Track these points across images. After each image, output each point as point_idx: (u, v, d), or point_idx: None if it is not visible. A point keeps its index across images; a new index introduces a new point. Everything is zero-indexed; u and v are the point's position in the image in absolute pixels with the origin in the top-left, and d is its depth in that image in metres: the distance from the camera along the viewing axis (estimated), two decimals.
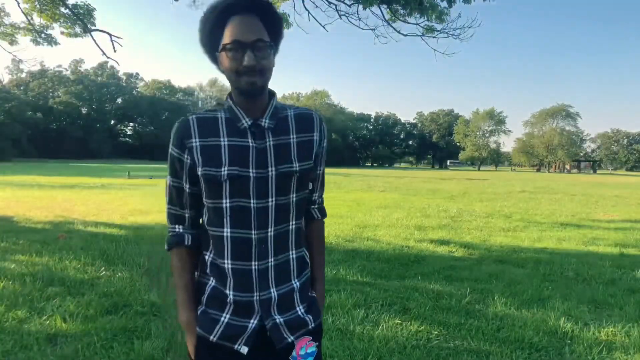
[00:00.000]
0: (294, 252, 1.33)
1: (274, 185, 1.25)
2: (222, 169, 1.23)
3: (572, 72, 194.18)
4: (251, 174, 1.23)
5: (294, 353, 1.30)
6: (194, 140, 1.26)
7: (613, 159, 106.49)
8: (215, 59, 1.28)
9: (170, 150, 1.29)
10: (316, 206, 1.47)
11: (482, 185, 25.20)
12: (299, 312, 1.33)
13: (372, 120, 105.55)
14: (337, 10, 8.45)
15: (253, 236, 1.25)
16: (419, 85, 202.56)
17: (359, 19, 8.29)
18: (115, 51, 10.27)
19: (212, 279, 1.30)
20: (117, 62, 11.19)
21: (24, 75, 72.82)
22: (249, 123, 1.26)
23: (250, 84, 1.21)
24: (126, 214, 9.54)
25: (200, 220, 1.35)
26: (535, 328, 3.54)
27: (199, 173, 1.25)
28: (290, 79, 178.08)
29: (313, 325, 1.35)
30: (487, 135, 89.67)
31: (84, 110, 75.43)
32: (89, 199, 12.64)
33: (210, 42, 1.26)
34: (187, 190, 1.30)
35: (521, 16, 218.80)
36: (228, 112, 1.29)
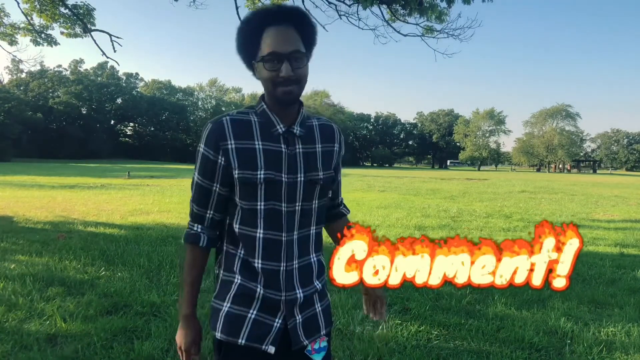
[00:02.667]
0: (314, 255, 1.39)
1: (301, 190, 1.32)
2: (258, 172, 1.26)
3: (572, 72, 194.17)
4: (283, 179, 1.29)
5: (309, 347, 1.38)
6: (229, 142, 1.27)
7: (613, 159, 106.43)
8: (251, 67, 1.32)
9: (202, 150, 1.29)
10: (341, 206, 1.59)
11: (482, 185, 25.20)
12: (317, 310, 1.40)
13: (372, 120, 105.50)
14: (337, 10, 8.45)
15: (283, 238, 1.31)
16: (419, 85, 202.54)
17: (359, 19, 8.30)
18: (115, 51, 10.27)
19: (238, 276, 1.33)
20: (117, 62, 11.19)
21: (24, 75, 72.77)
22: (283, 129, 1.30)
23: (287, 94, 1.25)
24: (126, 214, 9.54)
25: (220, 221, 1.38)
26: (535, 328, 3.54)
27: (235, 175, 1.27)
28: None
29: (325, 332, 1.42)
30: (487, 135, 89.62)
31: (84, 110, 75.35)
32: (88, 199, 12.64)
33: (247, 51, 1.30)
34: (216, 190, 1.31)
35: (521, 16, 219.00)
36: (261, 117, 1.31)
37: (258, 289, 1.30)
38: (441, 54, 8.35)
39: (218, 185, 1.30)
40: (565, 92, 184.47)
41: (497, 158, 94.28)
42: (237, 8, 8.92)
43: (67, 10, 10.29)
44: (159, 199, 12.96)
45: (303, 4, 8.58)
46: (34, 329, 3.29)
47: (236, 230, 1.32)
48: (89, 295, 4.00)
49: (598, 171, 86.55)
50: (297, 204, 1.31)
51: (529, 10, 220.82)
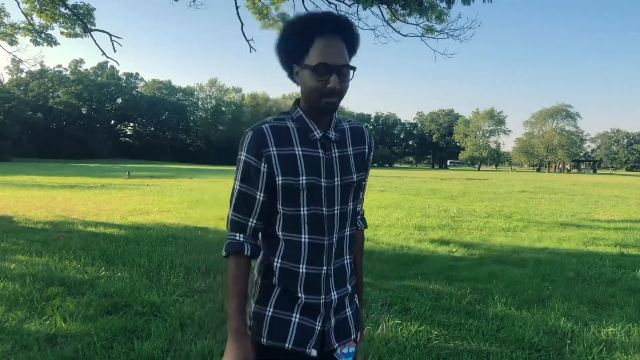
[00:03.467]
0: (347, 257, 1.42)
1: (339, 194, 1.34)
2: (300, 178, 1.28)
3: (572, 72, 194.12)
4: (322, 183, 1.31)
5: (338, 351, 1.40)
6: (271, 149, 1.28)
7: (613, 159, 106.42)
8: (289, 68, 1.33)
9: (244, 157, 1.29)
10: (359, 217, 1.57)
11: (482, 185, 25.20)
12: (347, 314, 1.43)
13: (372, 120, 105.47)
14: (337, 10, 8.45)
15: (325, 242, 1.33)
16: (419, 85, 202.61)
17: (359, 19, 8.29)
18: (115, 51, 10.26)
19: (279, 281, 1.33)
20: (117, 62, 11.18)
21: (24, 75, 72.77)
22: (320, 135, 1.32)
23: (330, 104, 1.27)
24: (126, 214, 9.54)
25: (260, 229, 1.37)
26: (535, 328, 3.54)
27: (279, 182, 1.28)
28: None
29: (354, 337, 1.45)
30: (487, 135, 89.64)
31: (84, 110, 75.34)
32: (88, 199, 12.64)
33: (290, 53, 1.30)
34: (260, 198, 1.31)
35: (521, 16, 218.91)
36: (298, 122, 1.33)
37: (299, 293, 1.32)
38: (441, 54, 8.32)
39: (262, 193, 1.30)
40: (565, 92, 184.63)
41: (497, 158, 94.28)
42: (237, 8, 8.93)
43: (67, 10, 10.29)
44: (159, 199, 12.97)
45: (303, 4, 8.58)
46: (34, 329, 3.29)
47: (280, 236, 1.32)
48: (89, 295, 4.00)
49: (598, 171, 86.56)
50: (336, 207, 1.34)
51: (529, 10, 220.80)
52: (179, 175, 28.25)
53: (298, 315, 1.32)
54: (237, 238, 1.32)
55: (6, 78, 72.64)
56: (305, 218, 1.30)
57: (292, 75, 1.34)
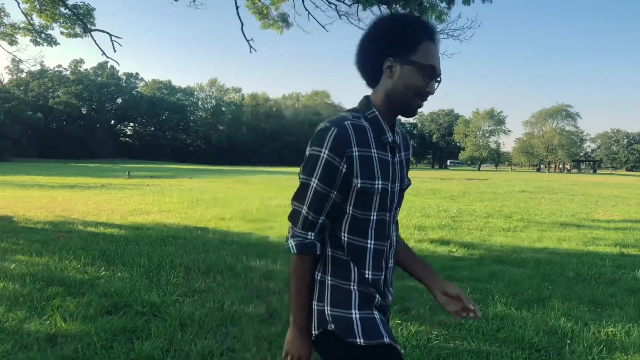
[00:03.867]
0: (393, 261, 1.42)
1: (396, 199, 1.36)
2: (376, 182, 1.26)
3: (572, 72, 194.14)
4: (390, 188, 1.31)
5: None
6: (353, 149, 1.23)
7: (613, 159, 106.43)
8: (379, 61, 1.28)
9: (324, 155, 1.22)
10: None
11: (482, 185, 25.20)
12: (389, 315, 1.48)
13: None
14: (337, 11, 8.46)
15: (385, 248, 1.34)
16: None
17: (359, 19, 8.30)
18: (115, 51, 10.28)
19: (355, 283, 1.31)
20: (117, 62, 11.20)
21: (24, 75, 72.81)
22: (391, 138, 1.30)
23: (418, 107, 1.28)
24: (126, 214, 9.54)
25: (326, 227, 1.34)
26: (535, 328, 3.54)
27: (357, 184, 1.24)
28: (290, 79, 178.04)
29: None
30: (487, 135, 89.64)
31: (84, 110, 75.38)
32: (88, 199, 12.64)
33: (391, 46, 1.26)
34: (333, 197, 1.26)
35: (521, 16, 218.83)
36: (372, 123, 1.29)
37: (375, 294, 1.32)
38: (441, 54, 8.34)
39: (336, 193, 1.25)
40: (565, 92, 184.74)
41: (497, 158, 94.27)
42: (237, 8, 8.94)
43: (67, 10, 10.29)
44: (159, 199, 12.97)
45: (303, 4, 8.59)
46: (34, 329, 3.29)
47: (344, 239, 1.30)
48: (89, 295, 4.00)
49: (598, 171, 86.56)
50: (393, 212, 1.35)
51: (529, 10, 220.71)
52: (179, 175, 28.25)
53: (379, 315, 1.32)
54: (310, 237, 1.27)
55: (6, 78, 72.74)
56: (374, 223, 1.29)
57: (373, 68, 1.30)
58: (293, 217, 1.30)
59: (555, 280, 5.02)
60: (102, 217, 9.08)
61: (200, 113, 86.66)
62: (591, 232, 8.50)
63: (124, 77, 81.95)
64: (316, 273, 1.33)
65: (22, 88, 72.18)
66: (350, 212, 1.27)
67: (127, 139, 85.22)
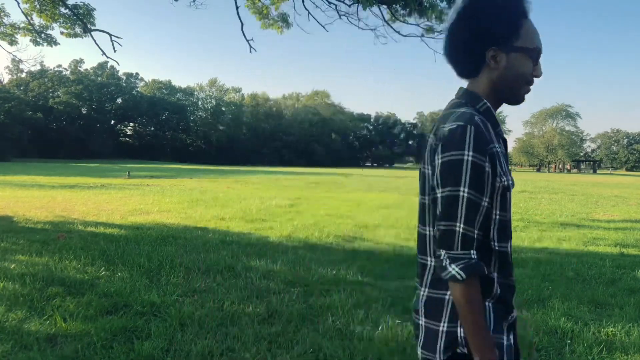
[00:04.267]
0: None
1: None
2: (509, 178, 1.16)
3: (572, 72, 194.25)
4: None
5: None
6: (493, 145, 1.11)
7: (613, 159, 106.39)
8: (479, 54, 1.17)
9: (469, 157, 1.06)
10: None
11: None
12: None
13: (372, 120, 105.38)
14: (337, 10, 8.47)
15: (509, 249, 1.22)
16: (419, 85, 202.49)
17: (359, 19, 8.31)
18: (115, 51, 10.30)
19: (502, 304, 1.17)
20: (117, 62, 11.25)
21: (24, 75, 72.73)
22: (502, 131, 1.22)
23: (527, 93, 1.20)
24: (126, 214, 9.54)
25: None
26: (535, 328, 3.54)
27: (502, 183, 1.13)
28: (290, 79, 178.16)
29: None
30: None
31: (84, 110, 75.32)
32: (88, 199, 12.64)
33: (492, 35, 1.15)
34: (485, 205, 1.10)
35: None
36: (486, 115, 1.17)
37: (513, 312, 1.20)
38: (441, 54, 8.35)
39: (486, 198, 1.10)
40: (565, 92, 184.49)
41: None
42: (237, 8, 8.94)
43: (67, 10, 10.30)
44: (159, 199, 12.96)
45: (303, 4, 8.59)
46: (34, 329, 3.29)
47: (495, 248, 1.15)
48: (89, 295, 4.00)
49: (598, 171, 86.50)
50: None
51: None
52: (179, 175, 28.25)
53: (512, 337, 1.18)
54: (473, 256, 1.08)
55: (6, 78, 72.67)
56: (510, 224, 1.17)
57: (472, 59, 1.19)
58: (447, 240, 1.09)
59: (555, 280, 5.01)
60: (102, 217, 9.08)
61: (200, 113, 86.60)
62: (591, 232, 8.50)
63: (124, 77, 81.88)
64: (445, 291, 1.15)
65: (22, 88, 72.14)
66: (497, 216, 1.14)
67: (127, 139, 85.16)
